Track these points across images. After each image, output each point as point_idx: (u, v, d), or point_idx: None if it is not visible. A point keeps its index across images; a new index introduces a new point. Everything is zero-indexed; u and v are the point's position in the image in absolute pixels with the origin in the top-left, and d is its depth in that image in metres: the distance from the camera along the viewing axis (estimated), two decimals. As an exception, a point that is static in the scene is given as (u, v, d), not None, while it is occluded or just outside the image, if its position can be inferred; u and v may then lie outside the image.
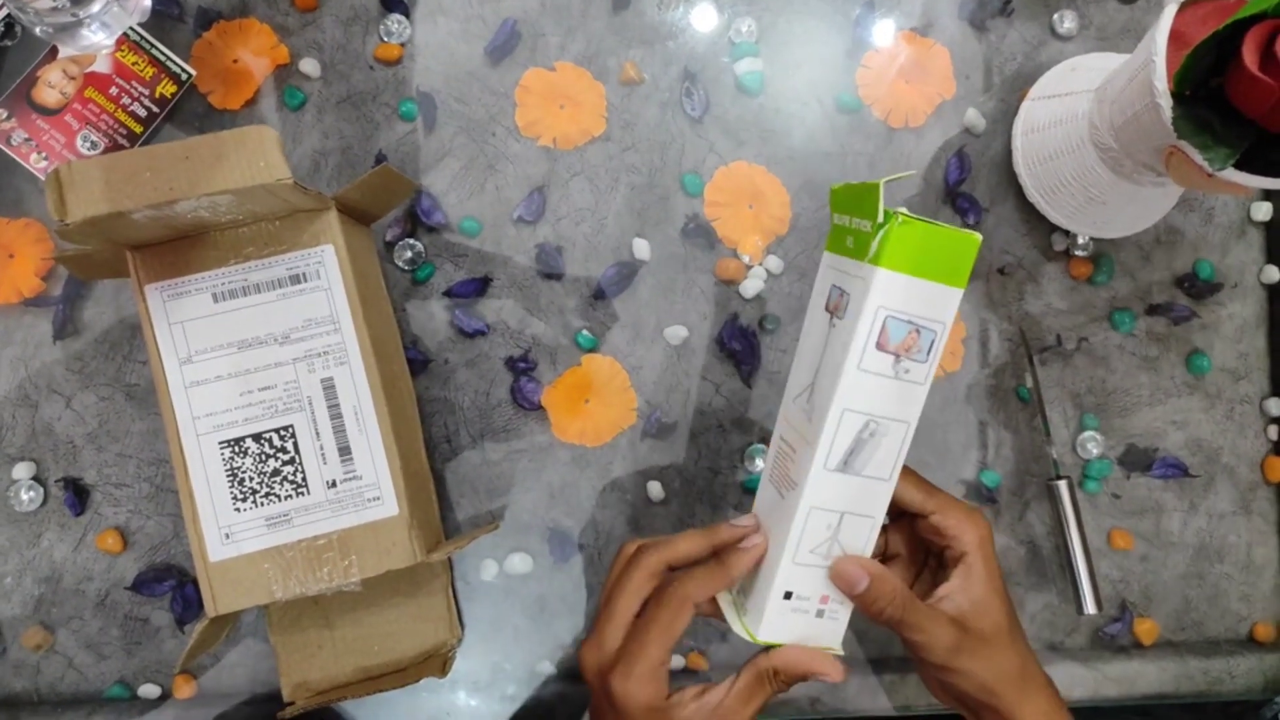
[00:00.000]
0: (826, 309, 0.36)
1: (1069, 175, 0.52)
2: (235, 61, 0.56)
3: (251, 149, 0.37)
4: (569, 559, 0.56)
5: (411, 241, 0.55)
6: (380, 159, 0.55)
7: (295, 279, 0.44)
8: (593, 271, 0.56)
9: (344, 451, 0.44)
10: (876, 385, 0.35)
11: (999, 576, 0.41)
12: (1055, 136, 0.53)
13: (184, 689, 0.54)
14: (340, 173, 0.55)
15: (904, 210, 0.34)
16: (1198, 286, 0.58)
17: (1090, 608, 0.55)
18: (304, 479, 0.44)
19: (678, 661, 0.56)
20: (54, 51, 0.54)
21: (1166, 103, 0.41)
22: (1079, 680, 0.56)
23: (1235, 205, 0.58)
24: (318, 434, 0.44)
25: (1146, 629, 0.58)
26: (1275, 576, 0.58)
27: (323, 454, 0.44)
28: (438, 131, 0.55)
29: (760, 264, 0.56)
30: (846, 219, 0.36)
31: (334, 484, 0.44)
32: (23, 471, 0.55)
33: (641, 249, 0.56)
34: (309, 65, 0.55)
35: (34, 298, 0.55)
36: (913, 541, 0.44)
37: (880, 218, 0.34)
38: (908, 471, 0.41)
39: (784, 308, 0.57)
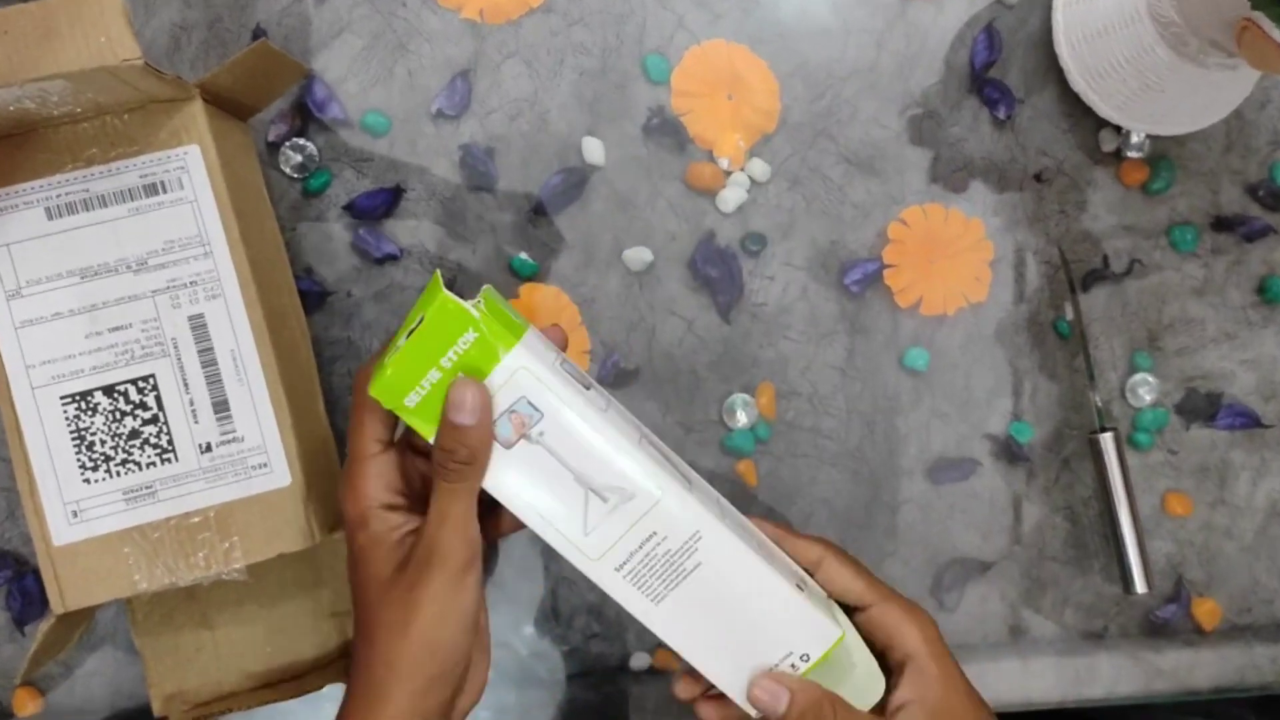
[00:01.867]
0: (511, 444, 0.38)
1: (1121, 56, 0.48)
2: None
3: (89, 21, 0.36)
4: (508, 539, 0.52)
5: (301, 142, 0.51)
6: (258, 34, 0.51)
7: (152, 189, 0.42)
8: (532, 180, 0.52)
9: (220, 407, 0.43)
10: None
11: (958, 673, 0.41)
12: (1105, 7, 0.48)
13: (27, 705, 0.51)
14: (207, 52, 0.51)
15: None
16: (1275, 195, 0.54)
17: (1140, 586, 0.52)
18: (170, 442, 0.43)
19: (642, 660, 0.53)
20: None
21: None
22: (1126, 674, 0.53)
23: (1321, 96, 0.55)
24: (186, 385, 0.43)
25: (1207, 611, 0.54)
26: (1358, 547, 0.55)
27: (193, 410, 0.43)
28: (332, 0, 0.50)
29: (742, 169, 0.52)
30: (431, 374, 0.37)
31: (208, 448, 0.43)
32: None
33: (593, 151, 0.52)
34: (162, -89, 0.50)
35: None
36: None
37: (478, 302, 0.37)
38: (845, 558, 0.42)
39: (771, 223, 0.52)
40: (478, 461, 0.36)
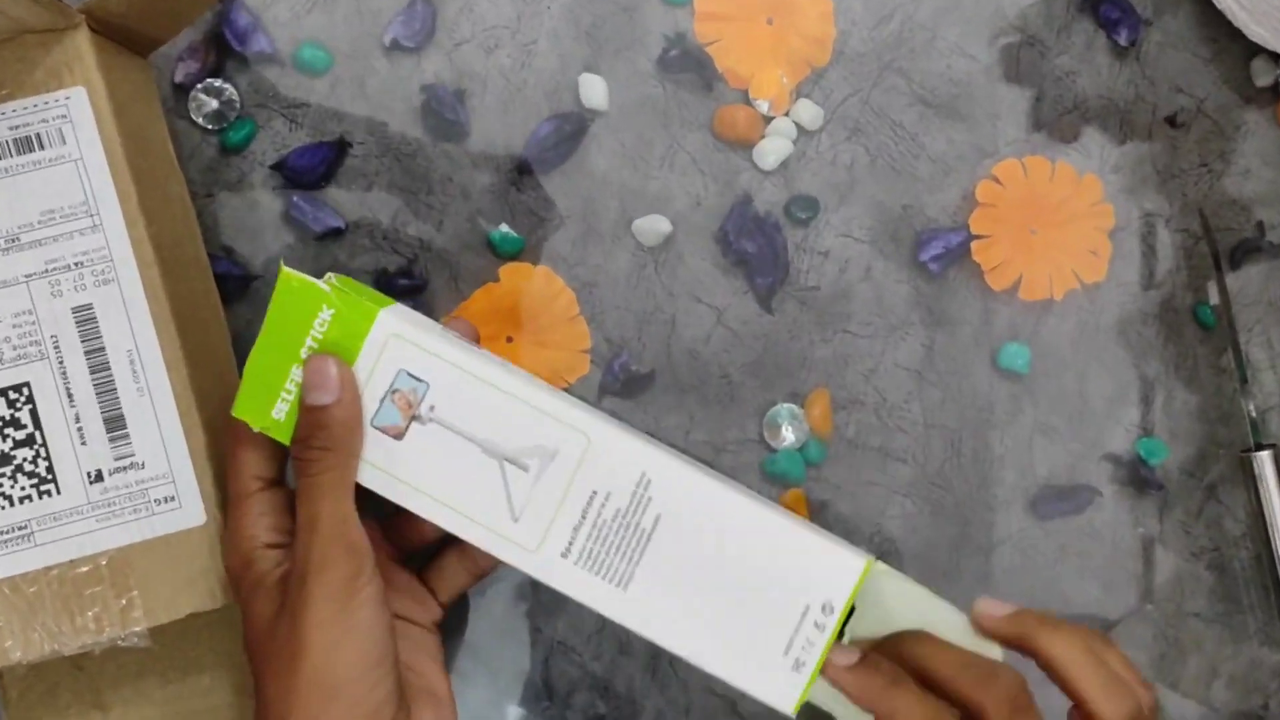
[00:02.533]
0: (401, 435, 0.37)
1: None
2: None
3: None
4: (484, 592, 0.48)
5: (217, 84, 0.46)
6: None
7: (24, 144, 0.40)
8: (515, 131, 0.48)
9: (114, 424, 0.40)
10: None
11: None
12: None
13: None
14: None
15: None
16: None
17: None
18: (50, 469, 0.40)
19: None
20: None
21: None
22: None
23: None
24: (71, 396, 0.40)
25: None
26: None
27: (79, 429, 0.40)
28: (254, -102, 0.47)
29: (786, 114, 0.48)
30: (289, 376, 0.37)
31: (99, 476, 0.40)
32: None
33: (594, 92, 0.48)
34: None
35: None
36: None
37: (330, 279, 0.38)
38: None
39: (825, 184, 0.48)
40: (343, 446, 0.35)
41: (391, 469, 0.35)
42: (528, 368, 0.48)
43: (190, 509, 0.40)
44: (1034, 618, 0.37)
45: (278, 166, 0.46)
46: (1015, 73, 0.47)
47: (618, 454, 0.35)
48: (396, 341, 0.35)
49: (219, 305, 0.45)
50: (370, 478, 0.36)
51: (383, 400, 0.35)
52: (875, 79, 0.47)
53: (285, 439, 0.36)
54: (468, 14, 0.46)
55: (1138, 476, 0.47)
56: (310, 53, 0.45)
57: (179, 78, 0.45)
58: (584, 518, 0.35)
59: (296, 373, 0.35)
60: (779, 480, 0.47)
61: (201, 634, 0.45)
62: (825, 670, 0.35)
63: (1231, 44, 0.48)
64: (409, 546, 0.40)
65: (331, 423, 0.34)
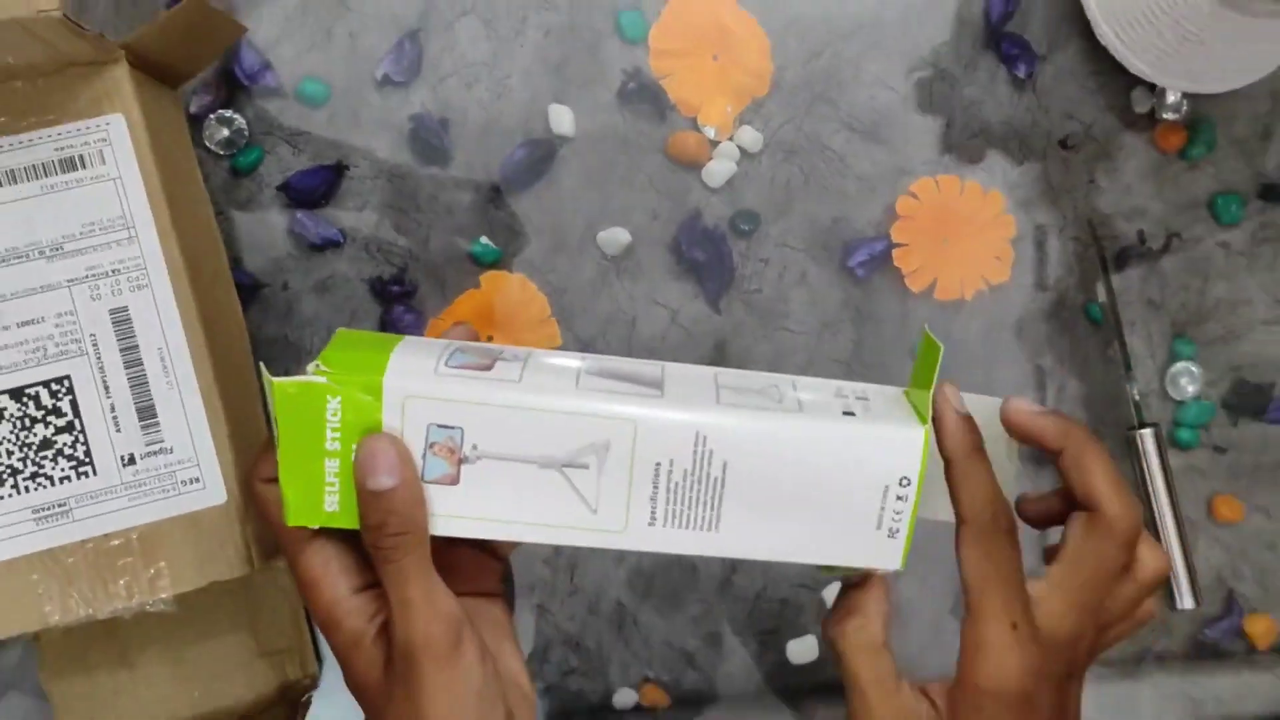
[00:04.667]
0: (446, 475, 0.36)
1: (1155, 3, 0.47)
2: None
3: None
4: None
5: (228, 115, 0.49)
6: None
7: (69, 164, 0.41)
8: (492, 155, 0.51)
9: (146, 413, 0.42)
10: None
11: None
12: None
13: None
14: (117, 12, 0.48)
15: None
16: None
17: (1186, 602, 0.51)
18: (88, 453, 0.42)
19: (628, 697, 0.52)
20: None
21: None
22: (1171, 699, 0.53)
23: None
24: (107, 388, 0.42)
25: (1262, 629, 0.53)
26: None
27: (115, 417, 0.42)
28: (261, -50, 0.49)
29: (730, 139, 0.51)
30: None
31: (131, 460, 0.42)
32: None
33: (561, 120, 0.51)
34: None
35: None
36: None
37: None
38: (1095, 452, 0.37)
39: (765, 200, 0.51)
40: (415, 524, 0.34)
41: (460, 512, 0.34)
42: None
43: (213, 489, 0.42)
44: (1062, 417, 0.37)
45: (283, 187, 0.48)
46: (929, 102, 0.50)
47: (667, 428, 0.34)
48: (415, 402, 0.33)
49: (239, 309, 0.47)
50: (443, 527, 0.34)
51: (425, 456, 0.34)
52: (808, 108, 0.50)
53: (349, 524, 0.34)
54: (449, 52, 0.48)
55: (1035, 453, 0.50)
56: (310, 87, 0.48)
57: (194, 109, 0.47)
58: (656, 488, 0.34)
59: (331, 464, 0.34)
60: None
61: (222, 600, 0.47)
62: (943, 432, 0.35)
63: (1114, 76, 0.51)
64: (505, 551, 0.40)
65: (399, 505, 0.33)
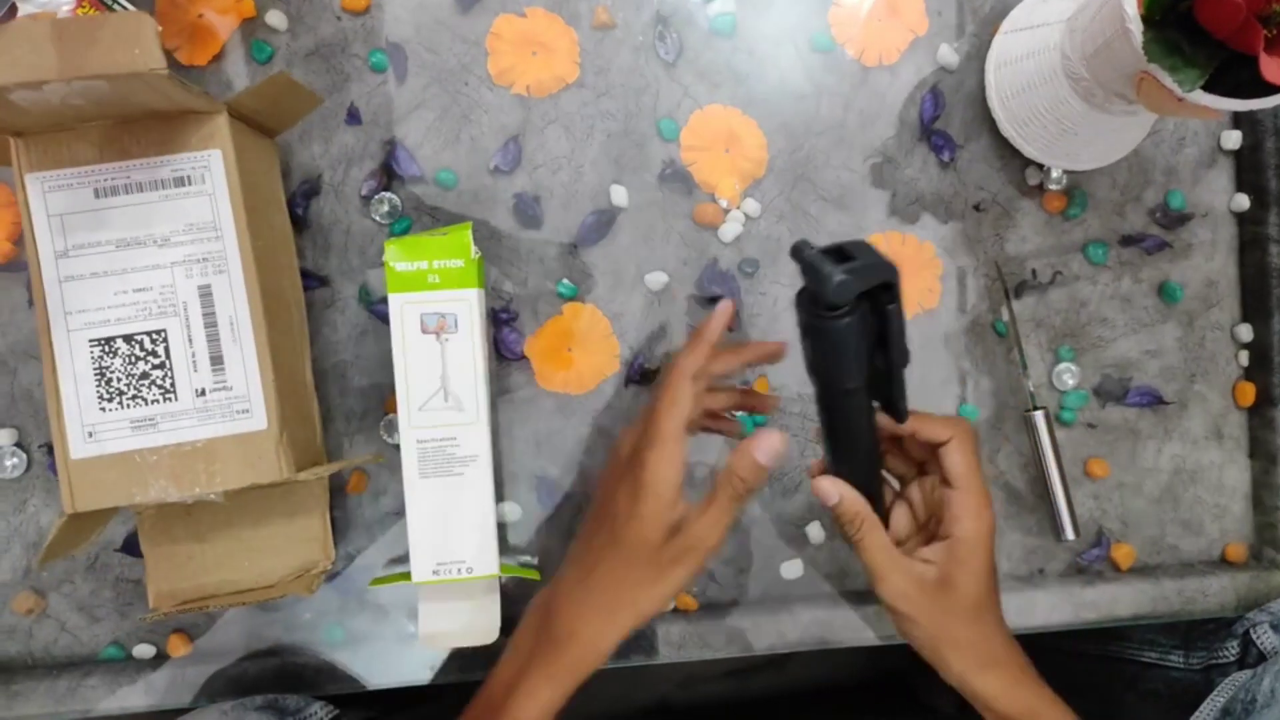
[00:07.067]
0: (427, 332, 0.47)
1: (1042, 107, 0.53)
2: (200, 16, 0.55)
3: (125, 35, 0.37)
4: (558, 507, 0.57)
5: (388, 195, 0.55)
6: (353, 113, 0.56)
7: (179, 181, 0.44)
8: (571, 220, 0.56)
9: (216, 361, 0.45)
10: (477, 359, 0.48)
11: (988, 562, 0.44)
12: (1028, 69, 0.53)
13: (179, 648, 0.55)
14: (311, 126, 0.55)
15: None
16: (1169, 216, 0.59)
17: (1069, 534, 0.56)
18: (173, 384, 0.44)
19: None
20: (13, 9, 0.52)
21: (1137, 28, 0.42)
22: (1059, 606, 0.57)
23: (1205, 135, 0.59)
24: (190, 341, 0.44)
25: (1124, 554, 0.59)
26: (1246, 499, 0.60)
27: (194, 361, 0.44)
28: (409, 82, 0.55)
29: (738, 208, 0.57)
30: (424, 263, 0.48)
31: (203, 392, 0.44)
32: (5, 438, 0.55)
33: (619, 196, 0.56)
34: (275, 18, 0.55)
35: (6, 263, 0.55)
36: (928, 505, 0.47)
37: (475, 253, 0.49)
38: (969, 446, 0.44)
39: (762, 250, 0.57)
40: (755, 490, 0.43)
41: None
42: (580, 369, 0.55)
43: (258, 418, 0.45)
44: (931, 416, 0.44)
45: (425, 246, 0.53)
46: (879, 180, 0.57)
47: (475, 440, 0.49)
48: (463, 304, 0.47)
49: (301, 294, 0.52)
50: None
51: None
52: (793, 184, 0.56)
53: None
54: (541, 150, 0.56)
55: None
56: (444, 175, 0.55)
57: (364, 191, 0.55)
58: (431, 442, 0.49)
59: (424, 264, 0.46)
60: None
61: (271, 500, 0.51)
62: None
63: (1013, 159, 0.57)
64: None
65: (763, 477, 0.42)
